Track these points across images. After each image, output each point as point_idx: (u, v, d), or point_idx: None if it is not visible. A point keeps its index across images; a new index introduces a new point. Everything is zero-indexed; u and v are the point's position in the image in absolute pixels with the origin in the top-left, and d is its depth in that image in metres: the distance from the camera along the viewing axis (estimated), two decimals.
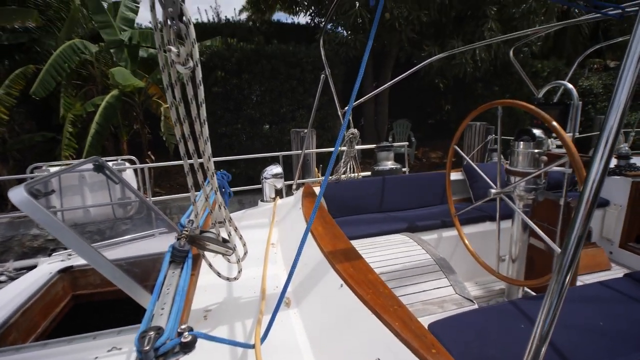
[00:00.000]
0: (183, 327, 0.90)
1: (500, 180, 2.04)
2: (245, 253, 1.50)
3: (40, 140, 8.25)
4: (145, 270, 1.98)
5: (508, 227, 2.15)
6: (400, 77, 3.26)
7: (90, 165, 1.87)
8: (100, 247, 2.68)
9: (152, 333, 0.86)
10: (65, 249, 2.43)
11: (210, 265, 1.41)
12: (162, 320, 0.95)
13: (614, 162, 3.38)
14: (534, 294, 2.30)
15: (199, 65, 1.06)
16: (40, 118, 8.71)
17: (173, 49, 1.02)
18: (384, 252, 2.00)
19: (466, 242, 2.25)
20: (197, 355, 0.91)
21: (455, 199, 3.36)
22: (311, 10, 10.54)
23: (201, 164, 1.20)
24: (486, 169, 3.23)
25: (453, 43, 8.07)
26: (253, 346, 1.16)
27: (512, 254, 2.17)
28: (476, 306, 1.64)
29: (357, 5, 7.65)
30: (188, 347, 0.87)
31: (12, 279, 2.87)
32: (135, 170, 4.41)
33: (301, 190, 2.72)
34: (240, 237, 1.46)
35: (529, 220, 1.82)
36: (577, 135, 2.09)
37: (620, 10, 1.71)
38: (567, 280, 0.80)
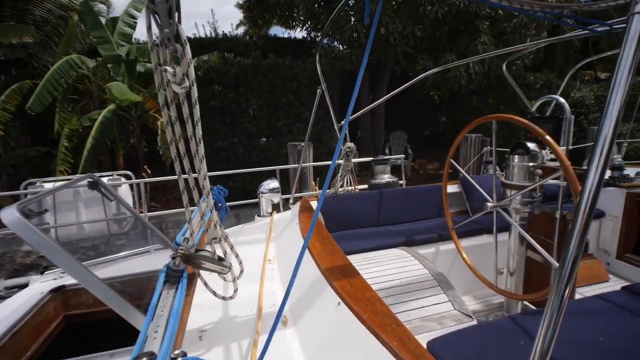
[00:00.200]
0: (176, 352, 0.88)
1: (496, 193, 2.04)
2: (241, 271, 1.48)
3: (35, 154, 8.22)
4: (139, 289, 1.95)
5: (505, 239, 2.15)
6: (395, 91, 3.29)
7: (85, 182, 1.86)
8: (94, 265, 2.65)
9: (144, 359, 0.84)
10: None
11: (205, 284, 1.39)
12: (156, 344, 0.92)
13: (607, 174, 3.41)
14: (533, 307, 2.29)
15: (195, 85, 1.07)
16: (36, 132, 8.70)
17: (169, 69, 1.03)
18: (381, 268, 1.98)
19: (464, 255, 2.24)
20: None
21: (452, 212, 3.36)
22: (307, 25, 10.70)
23: (197, 182, 1.20)
24: (482, 181, 3.24)
25: (447, 57, 8.21)
26: None
27: (510, 267, 2.16)
28: (475, 322, 1.62)
29: (353, 20, 7.79)
30: None
31: (2, 298, 2.81)
32: (131, 185, 4.39)
33: (298, 204, 2.71)
34: (237, 255, 1.44)
35: (526, 234, 1.82)
36: (570, 148, 2.11)
37: (608, 27, 1.75)
38: (565, 295, 0.79)
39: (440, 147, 11.55)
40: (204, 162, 1.14)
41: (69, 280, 2.07)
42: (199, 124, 1.10)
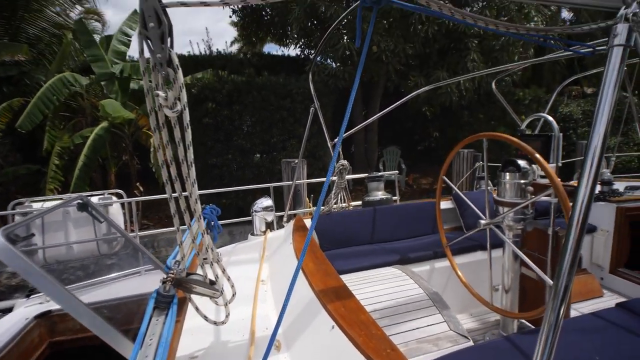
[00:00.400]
0: None
1: (489, 210, 2.05)
2: (234, 295, 1.46)
3: (24, 173, 8.11)
4: (129, 313, 1.90)
5: (500, 255, 2.15)
6: (388, 109, 3.34)
7: (74, 204, 1.83)
8: (83, 287, 2.58)
9: None
10: None
11: (197, 309, 1.36)
12: None
13: (597, 188, 3.45)
14: (529, 324, 2.27)
15: (187, 109, 1.07)
16: (27, 150, 8.60)
17: (161, 93, 1.03)
18: (376, 288, 1.96)
19: (459, 273, 2.23)
20: None
21: (446, 228, 3.36)
22: (301, 43, 10.89)
23: (188, 205, 1.19)
24: (475, 197, 3.26)
25: (438, 74, 8.38)
26: None
27: (505, 285, 2.15)
28: (471, 342, 1.60)
29: (345, 39, 7.94)
30: None
31: None
32: (122, 204, 4.33)
33: (292, 223, 2.69)
34: (229, 279, 1.41)
35: (520, 252, 1.82)
36: (560, 165, 2.14)
37: (591, 49, 1.81)
38: (561, 314, 0.79)
39: (434, 161, 11.65)
40: (196, 185, 1.14)
41: (55, 305, 2.01)
42: (191, 148, 1.10)
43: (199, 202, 1.17)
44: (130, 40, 9.51)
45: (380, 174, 3.95)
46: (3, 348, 1.61)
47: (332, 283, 1.60)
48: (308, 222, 2.75)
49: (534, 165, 2.04)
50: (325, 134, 3.33)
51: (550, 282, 1.55)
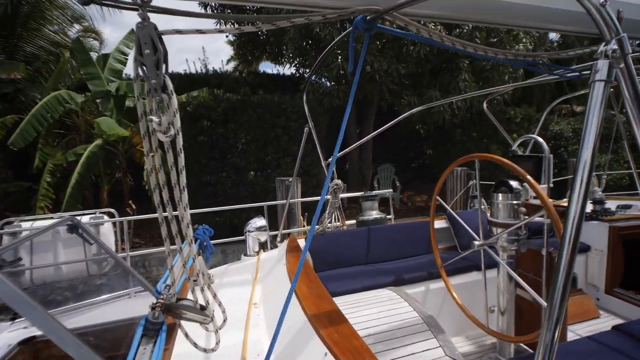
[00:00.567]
0: None
1: (483, 231, 2.05)
2: (224, 320, 1.42)
3: (15, 190, 8.00)
4: (117, 339, 1.84)
5: (495, 276, 2.14)
6: (381, 129, 3.38)
7: (64, 225, 1.80)
8: (71, 310, 2.51)
9: None
10: None
11: (186, 336, 1.32)
12: None
13: (589, 207, 3.48)
14: (526, 347, 2.24)
15: (180, 134, 1.07)
16: (18, 167, 8.51)
17: (154, 118, 1.03)
18: (370, 311, 1.93)
19: (454, 295, 2.21)
20: None
21: (441, 247, 3.35)
22: (296, 62, 11.07)
23: (179, 229, 1.17)
24: (469, 217, 3.27)
25: (431, 93, 8.53)
26: None
27: (501, 306, 2.13)
28: None
29: (340, 58, 8.10)
30: None
31: None
32: (114, 222, 4.28)
33: (285, 243, 2.67)
34: (220, 304, 1.39)
35: (514, 274, 1.81)
36: (551, 185, 2.17)
37: (577, 73, 1.86)
38: (556, 337, 0.78)
39: (428, 178, 11.73)
40: (188, 210, 1.13)
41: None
42: (184, 172, 1.09)
43: (190, 226, 1.16)
44: (126, 59, 9.59)
45: (374, 192, 3.95)
46: None
47: (326, 307, 1.58)
48: (302, 242, 2.73)
49: (526, 185, 2.06)
50: (320, 154, 3.35)
51: (544, 303, 1.54)
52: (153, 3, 0.96)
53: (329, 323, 1.43)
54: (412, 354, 1.62)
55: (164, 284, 1.42)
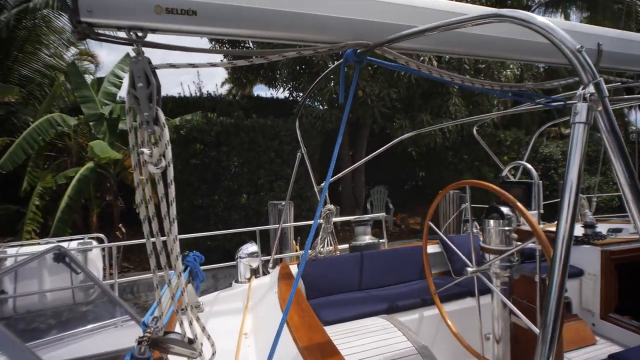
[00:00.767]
0: None
1: (475, 257, 2.04)
2: (214, 354, 1.38)
3: (2, 213, 7.83)
4: None
5: (490, 302, 2.11)
6: (374, 153, 3.41)
7: (51, 254, 1.76)
8: (55, 342, 2.42)
9: None
10: None
11: None
12: None
13: (581, 231, 3.50)
14: None
15: (171, 165, 1.07)
16: (7, 189, 8.37)
17: (146, 151, 1.03)
18: (363, 341, 1.89)
19: (449, 322, 2.18)
20: None
21: (435, 272, 3.32)
22: (289, 86, 11.27)
23: (168, 260, 1.15)
24: (462, 241, 3.26)
25: (422, 116, 8.70)
26: None
27: (496, 334, 2.10)
28: None
29: (332, 83, 8.27)
30: None
31: None
32: (103, 248, 4.20)
33: (277, 269, 2.63)
34: (209, 337, 1.35)
35: (507, 301, 1.80)
36: (542, 212, 2.19)
37: (562, 102, 1.92)
38: None
39: (421, 200, 11.76)
40: (177, 242, 1.11)
41: None
42: (174, 204, 1.09)
43: (179, 258, 1.14)
44: (121, 82, 9.67)
45: (366, 217, 3.94)
46: None
47: (317, 338, 1.54)
48: (293, 269, 2.69)
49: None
50: (312, 179, 3.36)
51: (537, 330, 1.52)
52: (147, 39, 0.98)
53: (320, 355, 1.39)
54: None
55: (151, 315, 1.38)
